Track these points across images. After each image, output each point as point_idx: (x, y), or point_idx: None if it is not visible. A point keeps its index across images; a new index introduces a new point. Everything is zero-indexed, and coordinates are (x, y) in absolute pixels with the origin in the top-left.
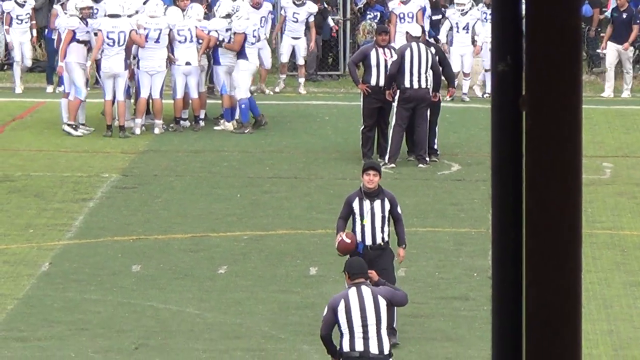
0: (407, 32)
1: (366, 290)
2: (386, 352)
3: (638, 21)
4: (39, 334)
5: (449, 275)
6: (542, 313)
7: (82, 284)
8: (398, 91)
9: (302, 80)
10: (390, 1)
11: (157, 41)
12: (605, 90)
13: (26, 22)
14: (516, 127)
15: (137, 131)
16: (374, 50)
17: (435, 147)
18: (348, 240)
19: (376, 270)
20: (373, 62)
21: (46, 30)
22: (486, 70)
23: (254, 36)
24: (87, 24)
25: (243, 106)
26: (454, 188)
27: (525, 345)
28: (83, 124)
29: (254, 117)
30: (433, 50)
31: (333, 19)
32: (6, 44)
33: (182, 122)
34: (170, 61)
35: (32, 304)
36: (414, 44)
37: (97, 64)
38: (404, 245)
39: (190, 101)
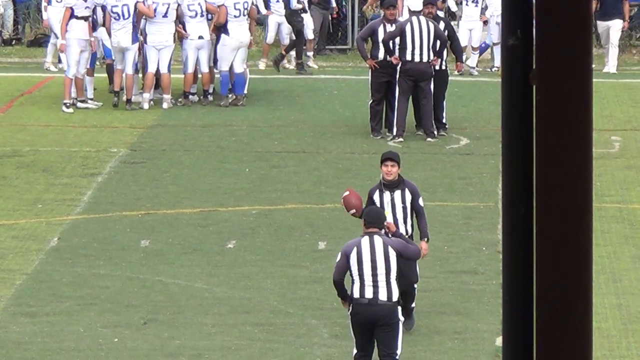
0: (407, 7)
1: (378, 240)
2: (394, 299)
3: None
4: (48, 309)
5: (458, 249)
6: (553, 288)
7: (90, 259)
8: (400, 63)
9: (310, 54)
10: None
11: (165, 15)
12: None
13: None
14: (526, 102)
15: (145, 106)
16: (381, 25)
17: (444, 121)
18: (347, 193)
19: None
20: (381, 37)
21: None
22: (494, 44)
23: (236, 9)
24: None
25: (221, 79)
26: (463, 162)
27: (536, 320)
28: (91, 99)
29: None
30: (442, 24)
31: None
32: (15, 20)
33: (190, 96)
34: (180, 36)
35: (41, 279)
36: (414, 18)
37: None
38: (426, 239)
39: (199, 75)
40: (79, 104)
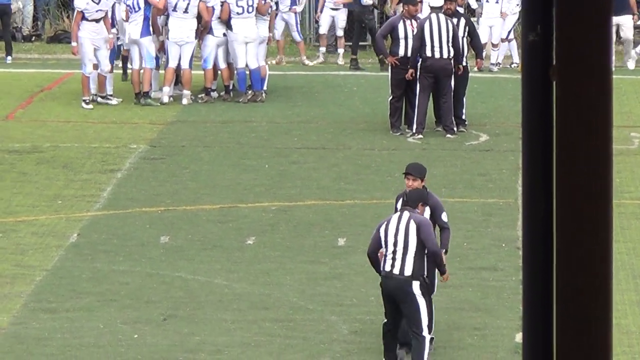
0: (428, 3)
1: (406, 215)
2: (406, 273)
3: None
4: (68, 305)
5: (477, 245)
6: (572, 284)
7: (110, 255)
8: (420, 59)
9: (341, 51)
10: None
11: (185, 11)
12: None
13: None
14: (546, 98)
15: (165, 99)
16: (401, 22)
17: (463, 117)
18: None
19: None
20: (401, 34)
21: None
22: (509, 41)
23: (238, 5)
24: (99, 2)
25: (237, 76)
26: (482, 158)
27: (556, 316)
28: (111, 95)
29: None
30: (463, 21)
31: None
32: (34, 16)
33: (211, 92)
34: (203, 32)
35: (61, 275)
36: (433, 15)
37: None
38: (444, 250)
39: (219, 72)
40: (99, 99)
